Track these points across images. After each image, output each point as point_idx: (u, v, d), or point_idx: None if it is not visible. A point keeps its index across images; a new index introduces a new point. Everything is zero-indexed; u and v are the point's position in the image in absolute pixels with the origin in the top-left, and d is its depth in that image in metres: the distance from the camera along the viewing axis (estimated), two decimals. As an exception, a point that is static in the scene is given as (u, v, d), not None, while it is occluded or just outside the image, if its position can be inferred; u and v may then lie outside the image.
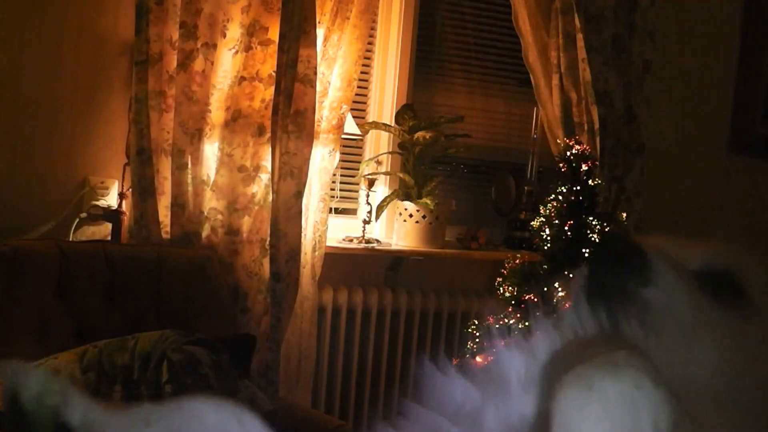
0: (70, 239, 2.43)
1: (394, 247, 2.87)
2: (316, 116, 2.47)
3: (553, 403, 0.40)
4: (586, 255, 0.51)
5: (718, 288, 0.57)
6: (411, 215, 2.85)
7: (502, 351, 0.54)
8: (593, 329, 0.52)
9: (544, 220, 2.50)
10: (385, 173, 3.00)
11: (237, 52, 2.45)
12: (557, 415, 0.39)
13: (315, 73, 2.42)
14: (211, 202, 2.48)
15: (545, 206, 2.54)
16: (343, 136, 2.67)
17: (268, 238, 2.45)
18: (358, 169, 2.95)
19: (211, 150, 2.48)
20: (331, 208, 2.73)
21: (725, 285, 0.57)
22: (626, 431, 0.38)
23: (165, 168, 2.44)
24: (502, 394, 0.51)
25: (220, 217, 2.48)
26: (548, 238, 2.47)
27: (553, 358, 0.48)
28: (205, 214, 2.47)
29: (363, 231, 2.83)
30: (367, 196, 2.84)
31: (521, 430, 0.47)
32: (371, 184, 2.84)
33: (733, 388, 0.49)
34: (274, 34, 2.43)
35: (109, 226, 2.50)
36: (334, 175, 2.71)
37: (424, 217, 2.83)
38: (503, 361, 0.53)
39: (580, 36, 2.75)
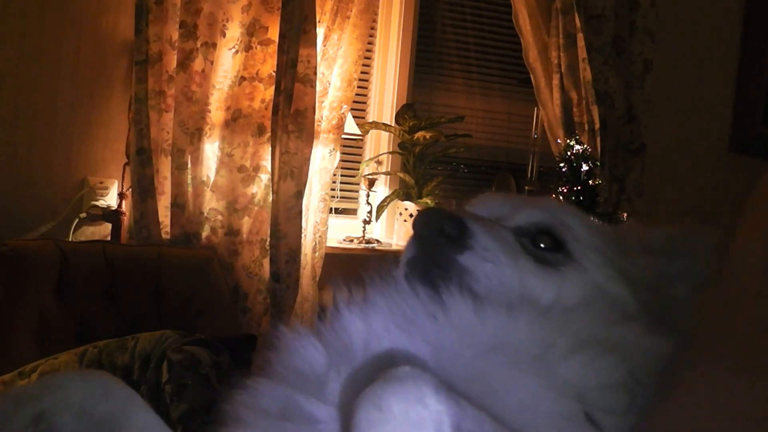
0: (70, 239, 2.43)
1: (394, 248, 2.87)
2: (316, 116, 2.47)
3: (351, 425, 0.41)
4: (416, 226, 0.53)
5: (536, 242, 0.59)
6: (411, 215, 2.84)
7: (347, 315, 0.55)
8: (416, 303, 0.53)
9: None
10: (386, 173, 3.00)
11: (237, 51, 2.45)
12: None
13: (315, 73, 2.41)
14: (211, 203, 2.48)
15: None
16: (343, 136, 2.67)
17: (268, 239, 2.45)
18: (358, 169, 2.95)
19: (211, 150, 2.48)
20: (331, 209, 2.73)
21: (545, 237, 0.60)
22: None
23: (165, 168, 2.44)
24: (346, 359, 0.52)
25: (220, 217, 2.48)
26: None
27: (347, 380, 0.49)
28: (205, 214, 2.47)
29: (363, 231, 2.83)
30: (368, 196, 2.83)
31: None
32: (371, 184, 2.83)
33: (541, 351, 0.51)
34: (274, 33, 2.43)
35: (108, 226, 2.49)
36: (335, 175, 2.71)
37: (424, 217, 2.83)
38: (348, 325, 0.54)
39: (580, 36, 2.75)
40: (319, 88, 2.47)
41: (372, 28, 2.90)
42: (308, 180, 2.47)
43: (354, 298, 0.57)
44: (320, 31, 2.49)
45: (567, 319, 0.54)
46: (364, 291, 0.57)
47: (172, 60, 2.41)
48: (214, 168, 2.48)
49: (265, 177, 2.49)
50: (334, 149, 2.61)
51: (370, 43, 2.91)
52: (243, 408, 0.55)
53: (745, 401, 0.44)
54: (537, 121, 3.03)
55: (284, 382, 0.54)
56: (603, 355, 0.52)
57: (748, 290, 0.49)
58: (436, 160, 2.97)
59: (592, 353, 0.51)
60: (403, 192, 2.88)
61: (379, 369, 0.44)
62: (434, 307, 0.53)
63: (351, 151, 2.99)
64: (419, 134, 2.83)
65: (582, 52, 2.76)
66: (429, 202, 2.81)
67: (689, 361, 0.51)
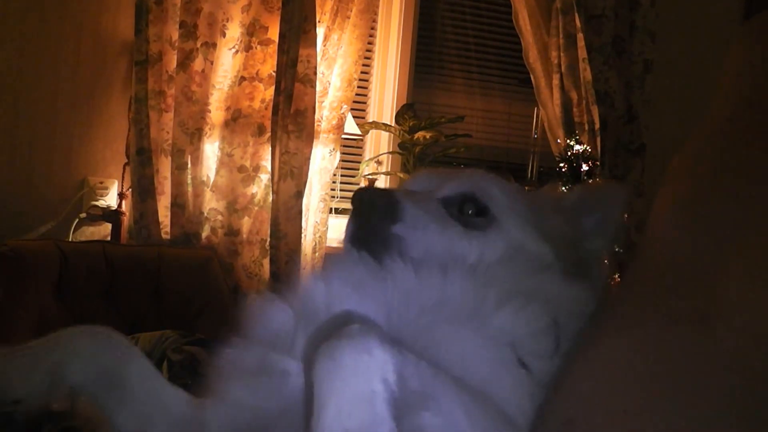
0: (70, 239, 2.43)
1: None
2: (316, 116, 2.47)
3: (311, 377, 0.48)
4: (353, 203, 0.64)
5: (462, 210, 0.67)
6: (411, 215, 2.84)
7: (311, 280, 0.63)
8: (365, 269, 0.62)
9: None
10: (386, 173, 3.00)
11: (237, 51, 2.45)
12: (315, 388, 0.47)
13: (315, 73, 2.41)
14: (211, 203, 2.48)
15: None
16: (343, 136, 2.67)
17: (268, 239, 2.45)
18: (358, 169, 2.95)
19: (211, 150, 2.48)
20: (331, 209, 2.73)
21: (469, 205, 0.67)
22: (363, 395, 0.45)
23: (165, 168, 2.44)
24: (311, 319, 0.59)
25: (220, 217, 2.48)
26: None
27: (310, 337, 0.57)
28: (205, 214, 2.47)
29: (363, 231, 2.83)
30: (368, 196, 2.83)
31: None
32: (371, 184, 2.83)
33: (474, 305, 0.58)
34: (274, 33, 2.43)
35: (108, 226, 2.49)
36: (335, 175, 2.70)
37: (424, 217, 2.83)
38: (311, 289, 0.62)
39: (580, 36, 2.75)
40: (319, 88, 2.47)
41: (372, 28, 2.89)
42: (308, 180, 2.47)
43: (316, 268, 0.63)
44: (320, 31, 2.49)
45: (493, 274, 0.62)
46: (324, 263, 0.66)
47: (172, 60, 2.41)
48: (214, 168, 2.48)
49: (265, 177, 2.49)
50: (334, 149, 2.61)
51: (370, 43, 2.91)
52: (225, 366, 0.63)
53: (640, 349, 0.49)
54: (537, 121, 3.03)
55: (259, 341, 0.62)
56: (528, 304, 0.58)
57: (652, 240, 0.56)
58: (436, 160, 2.97)
59: (518, 303, 0.58)
60: (403, 192, 2.88)
61: (335, 328, 0.50)
62: (381, 272, 0.61)
63: (351, 151, 2.99)
64: (419, 134, 2.83)
65: (582, 52, 2.76)
66: (429, 202, 2.81)
67: (606, 312, 0.58)
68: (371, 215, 0.64)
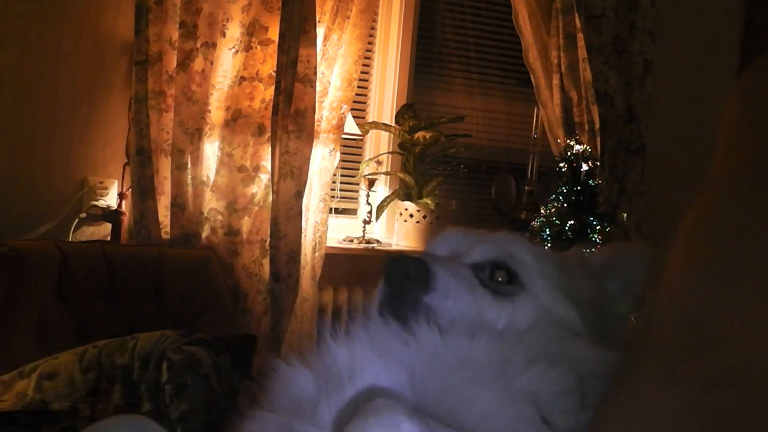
0: (70, 239, 2.43)
1: (394, 247, 2.87)
2: (316, 116, 2.47)
3: None
4: (385, 270, 0.66)
5: (492, 276, 0.69)
6: (411, 215, 2.84)
7: (333, 344, 0.63)
8: (390, 334, 0.62)
9: (544, 220, 2.50)
10: (386, 173, 3.00)
11: (237, 51, 2.45)
12: None
13: (315, 73, 2.41)
14: (211, 203, 2.48)
15: (546, 206, 2.54)
16: (343, 136, 2.67)
17: (268, 239, 2.45)
18: (358, 169, 2.95)
19: (210, 150, 2.48)
20: (331, 209, 2.73)
21: (500, 271, 0.69)
22: None
23: (165, 168, 2.44)
24: (334, 386, 0.59)
25: (219, 217, 2.48)
26: (549, 238, 2.47)
27: (339, 413, 0.58)
28: (205, 214, 2.47)
29: (363, 231, 2.83)
30: (368, 196, 2.83)
31: (348, 415, 0.55)
32: (371, 184, 2.83)
33: (500, 367, 0.59)
34: (274, 33, 2.43)
35: (108, 226, 2.49)
36: (335, 175, 2.70)
37: (424, 217, 2.83)
38: (334, 354, 0.62)
39: (580, 36, 2.75)
40: (319, 88, 2.47)
41: (372, 28, 2.90)
42: (308, 180, 2.47)
43: (339, 331, 0.65)
44: (320, 31, 2.49)
45: (520, 339, 0.62)
46: (348, 325, 0.65)
47: (172, 60, 2.41)
48: (214, 168, 2.48)
49: (265, 177, 2.49)
50: (334, 149, 2.61)
51: (370, 43, 2.91)
52: None
53: (672, 411, 0.49)
54: (537, 121, 3.03)
55: (281, 410, 0.62)
56: (554, 367, 0.59)
57: (672, 302, 0.56)
58: (436, 160, 2.97)
59: (544, 366, 0.59)
60: (403, 192, 2.88)
61: (361, 403, 0.51)
62: (406, 336, 0.62)
63: (351, 151, 2.99)
64: (419, 134, 2.83)
65: (582, 52, 2.76)
66: (429, 202, 2.81)
67: (625, 373, 0.58)
68: (403, 283, 0.66)
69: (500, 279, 0.68)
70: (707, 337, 0.51)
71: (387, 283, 0.67)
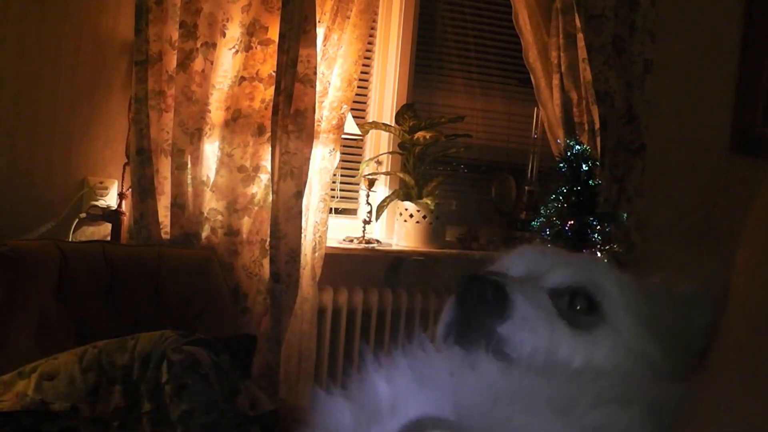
0: (70, 239, 2.43)
1: (394, 248, 2.87)
2: (316, 116, 2.47)
3: None
4: (454, 295, 0.60)
5: (572, 303, 0.63)
6: (411, 215, 2.84)
7: (374, 376, 0.59)
8: (440, 362, 0.58)
9: (544, 220, 2.50)
10: (385, 173, 3.00)
11: (237, 51, 2.45)
12: None
13: (315, 73, 2.41)
14: (211, 203, 2.48)
15: (546, 206, 2.54)
16: (343, 136, 2.67)
17: (268, 239, 2.45)
18: (358, 169, 2.95)
19: (210, 150, 2.48)
20: (331, 209, 2.73)
21: (580, 298, 0.63)
22: None
23: (165, 168, 2.44)
24: (375, 420, 0.56)
25: (219, 217, 2.48)
26: (549, 238, 2.47)
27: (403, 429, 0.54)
28: (205, 214, 2.47)
29: (363, 231, 2.83)
30: (368, 196, 2.83)
31: None
32: (371, 184, 2.83)
33: (569, 402, 0.54)
34: (274, 33, 2.43)
35: (108, 226, 2.49)
36: (335, 175, 2.70)
37: (424, 217, 2.83)
38: (375, 386, 0.58)
39: (580, 36, 2.75)
40: (319, 88, 2.47)
41: (372, 28, 2.89)
42: (308, 180, 2.47)
43: (379, 360, 0.60)
44: (320, 31, 2.49)
45: (593, 380, 0.57)
46: (389, 353, 0.61)
47: (172, 60, 2.41)
48: (214, 168, 2.48)
49: (265, 177, 2.49)
50: (334, 149, 2.61)
51: (370, 43, 2.91)
52: None
53: (752, 420, 0.46)
54: (537, 121, 3.03)
55: None
56: (628, 407, 0.54)
57: (745, 299, 0.52)
58: (436, 160, 2.97)
59: (617, 406, 0.54)
60: (403, 192, 2.88)
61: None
62: (462, 366, 0.56)
63: (351, 151, 2.99)
64: (419, 134, 2.83)
65: (582, 52, 2.75)
66: (429, 202, 2.81)
67: (700, 386, 0.54)
68: (477, 308, 0.61)
69: (579, 307, 0.62)
70: None
71: (459, 305, 0.61)
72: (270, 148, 2.42)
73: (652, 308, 0.65)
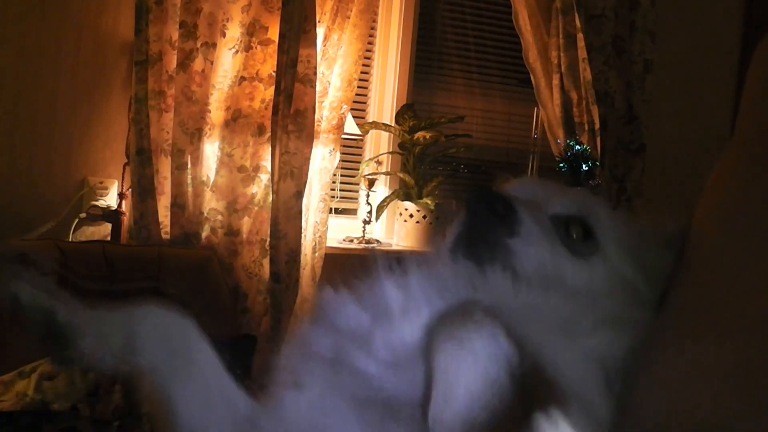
0: (70, 239, 2.43)
1: (394, 248, 2.87)
2: (316, 116, 2.47)
3: (434, 362, 0.48)
4: (462, 207, 0.63)
5: (569, 230, 0.66)
6: (411, 215, 2.84)
7: (386, 281, 0.61)
8: (456, 272, 0.60)
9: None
10: (385, 173, 3.00)
11: (237, 51, 2.45)
12: (438, 371, 0.47)
13: (315, 73, 2.41)
14: (211, 203, 2.48)
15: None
16: (343, 136, 2.67)
17: (268, 239, 2.45)
18: (358, 169, 2.95)
19: (211, 150, 2.48)
20: (331, 209, 2.73)
21: (577, 227, 0.66)
22: (490, 377, 0.46)
23: (165, 168, 2.44)
24: (386, 321, 0.58)
25: (219, 217, 2.48)
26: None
27: (431, 324, 0.56)
28: (205, 214, 2.47)
29: (363, 231, 2.83)
30: (368, 196, 2.83)
31: (403, 354, 0.55)
32: (371, 184, 2.83)
33: (569, 325, 0.58)
34: (274, 33, 2.43)
35: (108, 226, 2.49)
36: (334, 175, 2.70)
37: (424, 217, 2.83)
38: (386, 290, 0.60)
39: (580, 36, 2.75)
40: (319, 88, 2.47)
41: (372, 28, 2.90)
42: (308, 180, 2.47)
43: (391, 266, 0.62)
44: (320, 31, 2.49)
45: (593, 301, 0.61)
46: (404, 263, 0.63)
47: (172, 60, 2.41)
48: (214, 168, 2.48)
49: (265, 177, 2.49)
50: (334, 149, 2.61)
51: (370, 43, 2.91)
52: (299, 354, 0.61)
53: (713, 360, 0.50)
54: (537, 121, 3.03)
55: (334, 331, 0.60)
56: (622, 332, 0.58)
57: (706, 260, 0.56)
58: (436, 160, 2.97)
59: (612, 330, 0.58)
60: (403, 192, 2.88)
61: (458, 315, 0.51)
62: (475, 278, 0.59)
63: (351, 151, 2.99)
64: (419, 134, 2.83)
65: (582, 52, 2.76)
66: (429, 202, 2.81)
67: (663, 329, 0.59)
68: (487, 221, 0.62)
69: (575, 236, 0.65)
70: (735, 287, 0.50)
71: (468, 217, 0.63)
72: (270, 148, 2.42)
73: (639, 243, 0.68)
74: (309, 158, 2.43)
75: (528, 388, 0.47)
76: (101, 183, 2.52)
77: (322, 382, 0.57)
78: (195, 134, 2.43)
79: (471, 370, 0.46)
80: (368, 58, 2.96)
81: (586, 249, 0.65)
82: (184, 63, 2.39)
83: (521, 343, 0.51)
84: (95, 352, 0.62)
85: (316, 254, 2.62)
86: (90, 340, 0.62)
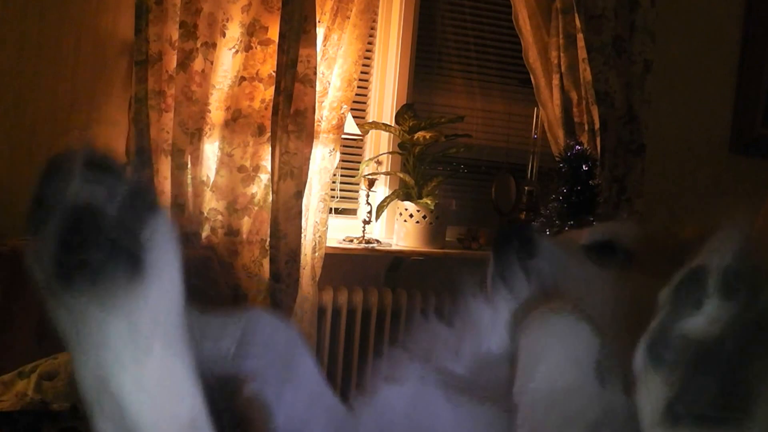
0: (70, 239, 2.42)
1: (394, 248, 2.87)
2: (316, 116, 2.47)
3: (521, 340, 0.55)
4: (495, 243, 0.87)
5: (603, 252, 0.78)
6: (411, 215, 2.84)
7: (473, 302, 0.75)
8: (513, 288, 0.73)
9: (544, 220, 2.50)
10: (385, 173, 3.00)
11: (237, 51, 2.45)
12: (524, 349, 0.54)
13: (315, 73, 2.41)
14: (211, 203, 2.48)
15: (546, 206, 2.54)
16: (343, 136, 2.67)
17: (268, 239, 2.45)
18: (358, 169, 2.95)
19: (210, 150, 2.48)
20: (331, 209, 2.73)
21: (610, 249, 0.78)
22: (573, 357, 0.52)
23: (165, 168, 2.44)
24: (474, 335, 0.70)
25: (219, 217, 2.48)
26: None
27: (517, 309, 0.68)
28: (205, 214, 2.47)
29: (363, 231, 2.83)
30: (367, 196, 2.83)
31: (488, 361, 0.65)
32: (371, 184, 2.83)
33: (614, 322, 0.64)
34: (274, 33, 2.43)
35: (108, 226, 2.49)
36: (334, 175, 2.70)
37: (424, 217, 2.83)
38: (474, 310, 0.73)
39: (580, 36, 2.75)
40: (319, 88, 2.47)
41: (372, 28, 2.90)
42: (308, 180, 2.47)
43: (479, 296, 0.75)
44: (320, 31, 2.49)
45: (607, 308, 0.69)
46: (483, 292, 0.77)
47: (172, 60, 2.41)
48: (214, 168, 2.48)
49: (265, 177, 2.49)
50: (334, 149, 2.61)
51: (370, 43, 2.91)
52: (392, 371, 0.72)
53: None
54: (537, 121, 3.03)
55: (427, 341, 0.71)
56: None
57: None
58: (436, 160, 2.97)
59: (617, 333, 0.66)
60: (403, 192, 2.88)
61: (546, 303, 0.59)
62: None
63: (351, 151, 2.99)
64: (419, 134, 2.83)
65: (582, 52, 2.76)
66: (429, 202, 2.81)
67: None
68: (516, 250, 0.76)
69: (610, 254, 0.77)
70: None
71: (500, 251, 0.76)
72: (270, 148, 2.42)
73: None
74: (309, 158, 2.43)
75: (606, 371, 0.52)
76: (101, 183, 2.51)
77: (415, 378, 0.66)
78: (195, 134, 2.43)
79: (553, 349, 0.52)
80: (368, 58, 2.96)
81: (613, 264, 0.76)
82: (184, 63, 2.39)
83: (600, 330, 0.58)
84: (209, 356, 0.65)
85: (316, 254, 2.62)
86: (207, 345, 0.67)
